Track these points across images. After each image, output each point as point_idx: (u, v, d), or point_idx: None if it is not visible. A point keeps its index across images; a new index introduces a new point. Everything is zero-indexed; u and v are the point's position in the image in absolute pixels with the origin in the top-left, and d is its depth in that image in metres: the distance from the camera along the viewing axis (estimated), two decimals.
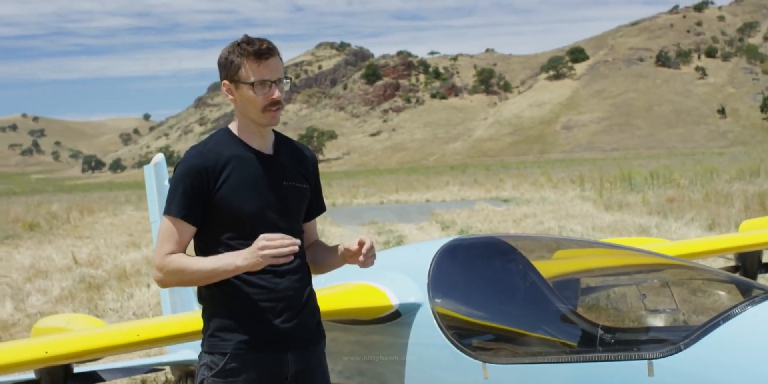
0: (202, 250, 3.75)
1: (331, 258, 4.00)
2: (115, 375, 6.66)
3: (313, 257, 4.03)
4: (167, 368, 8.73)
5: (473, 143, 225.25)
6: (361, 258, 3.78)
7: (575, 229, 21.36)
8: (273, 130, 3.92)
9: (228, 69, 3.71)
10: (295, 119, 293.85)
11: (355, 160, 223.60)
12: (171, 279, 3.69)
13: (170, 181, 3.79)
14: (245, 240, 3.65)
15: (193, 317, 3.97)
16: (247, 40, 3.69)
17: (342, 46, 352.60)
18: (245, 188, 3.71)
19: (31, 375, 5.64)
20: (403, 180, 70.68)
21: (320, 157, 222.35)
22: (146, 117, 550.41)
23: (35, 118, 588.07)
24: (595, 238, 17.88)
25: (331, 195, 52.89)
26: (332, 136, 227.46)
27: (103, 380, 5.85)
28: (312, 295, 3.93)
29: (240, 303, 3.71)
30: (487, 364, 4.14)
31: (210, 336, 3.78)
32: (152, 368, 7.19)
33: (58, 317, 6.70)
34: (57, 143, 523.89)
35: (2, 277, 18.64)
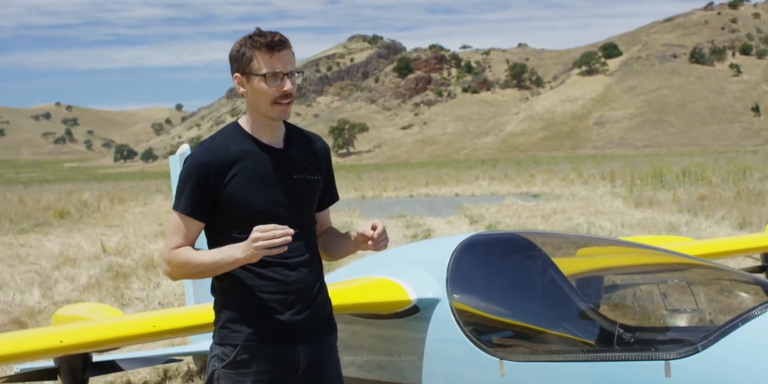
0: (213, 244, 3.77)
1: (343, 244, 4.00)
2: (133, 364, 6.68)
3: (326, 244, 4.03)
4: (190, 358, 8.75)
5: (504, 138, 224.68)
6: (370, 242, 3.77)
7: (604, 226, 21.21)
8: (284, 123, 3.90)
9: (240, 61, 3.70)
10: (326, 111, 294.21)
11: (386, 153, 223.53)
12: (178, 272, 3.75)
13: (179, 175, 3.76)
14: None
15: (208, 309, 3.96)
16: (259, 33, 3.69)
17: (374, 39, 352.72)
18: (254, 184, 3.70)
19: (50, 363, 5.67)
20: (434, 174, 70.61)
21: (351, 149, 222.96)
22: (178, 107, 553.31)
23: (68, 107, 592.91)
24: (623, 235, 17.78)
25: (360, 187, 52.93)
26: (363, 128, 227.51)
27: (122, 369, 5.87)
28: (323, 287, 3.92)
29: (251, 295, 3.70)
30: (504, 361, 4.11)
31: (221, 327, 3.78)
32: (170, 358, 7.20)
33: (79, 306, 6.73)
34: (90, 132, 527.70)
35: (32, 264, 18.76)
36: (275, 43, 3.65)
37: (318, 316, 3.85)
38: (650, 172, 41.54)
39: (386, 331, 4.89)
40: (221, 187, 3.67)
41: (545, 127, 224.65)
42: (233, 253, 3.56)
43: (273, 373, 3.74)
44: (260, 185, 3.71)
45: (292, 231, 3.49)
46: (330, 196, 4.07)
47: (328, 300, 3.97)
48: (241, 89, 3.75)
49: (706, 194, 29.33)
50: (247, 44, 3.68)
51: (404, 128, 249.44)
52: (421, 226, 24.78)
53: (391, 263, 5.11)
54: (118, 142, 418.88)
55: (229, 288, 3.75)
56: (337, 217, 29.60)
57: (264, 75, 3.65)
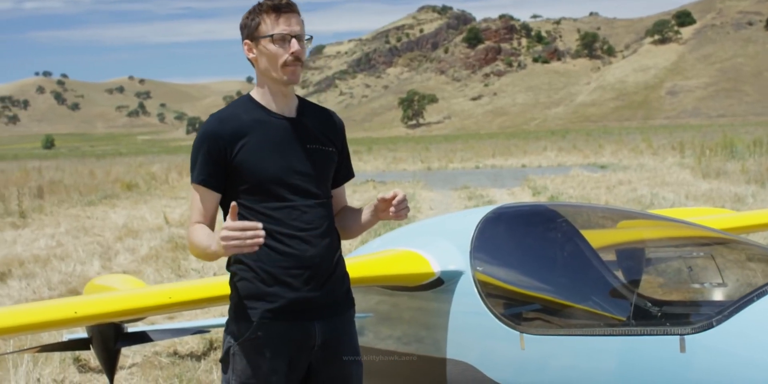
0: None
1: (360, 218, 3.91)
2: (164, 335, 6.74)
3: (344, 222, 3.95)
4: None
5: (575, 108, 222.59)
6: (392, 209, 3.70)
7: (667, 197, 20.89)
8: (297, 96, 3.85)
9: (249, 27, 3.70)
10: (396, 82, 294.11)
11: (455, 124, 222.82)
12: (192, 250, 3.70)
13: (192, 147, 3.73)
14: (271, 203, 3.63)
15: (227, 281, 3.93)
16: None
17: (444, 10, 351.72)
18: (266, 152, 3.64)
19: (84, 334, 5.76)
20: (501, 144, 70.34)
21: (420, 120, 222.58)
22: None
23: (141, 81, 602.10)
24: (686, 206, 17.50)
25: (427, 159, 52.94)
26: (433, 99, 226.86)
27: (152, 340, 5.93)
28: (341, 261, 3.84)
29: (267, 270, 3.64)
30: (524, 334, 4.05)
31: (236, 303, 3.73)
32: (199, 330, 7.24)
33: (112, 277, 6.78)
34: (162, 105, 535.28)
35: (96, 236, 19.04)
36: (282, 5, 3.64)
37: (335, 291, 3.78)
38: (721, 143, 40.81)
39: (412, 303, 4.85)
40: (232, 157, 3.61)
41: (617, 97, 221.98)
42: (210, 243, 3.49)
43: (289, 350, 3.68)
44: (272, 153, 3.65)
45: (263, 232, 3.34)
46: (345, 173, 3.98)
47: (346, 274, 3.88)
48: (251, 55, 3.72)
49: None
50: (255, 10, 3.69)
51: (474, 99, 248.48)
52: (483, 197, 24.66)
53: (419, 235, 5.05)
54: (190, 114, 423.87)
55: (244, 263, 3.69)
56: (401, 188, 29.45)
57: (272, 36, 3.63)
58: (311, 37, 3.76)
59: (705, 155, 37.16)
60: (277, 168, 3.63)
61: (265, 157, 3.64)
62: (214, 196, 3.66)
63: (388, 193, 3.70)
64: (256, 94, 3.79)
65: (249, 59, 3.75)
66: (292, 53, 3.64)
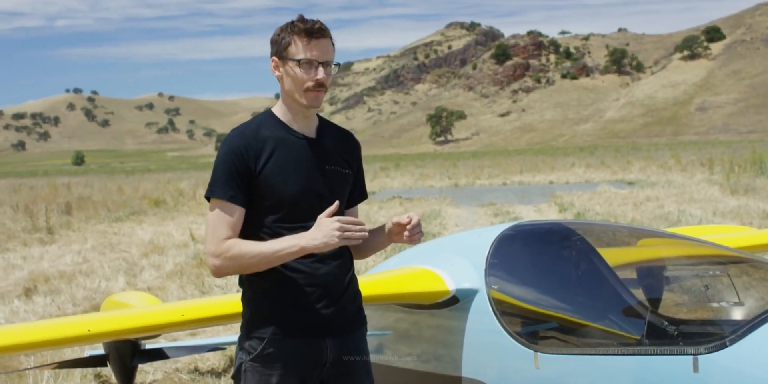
0: (243, 235, 3.67)
1: (374, 239, 3.88)
2: (180, 352, 6.76)
3: None
4: None
5: (604, 124, 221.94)
6: (405, 233, 3.70)
7: (694, 214, 20.73)
8: (318, 116, 3.85)
9: (279, 45, 3.69)
10: (424, 99, 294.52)
11: (483, 141, 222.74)
12: (228, 265, 3.58)
13: (215, 162, 3.71)
14: (286, 223, 3.61)
15: (239, 298, 3.93)
16: (301, 19, 3.67)
17: (472, 26, 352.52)
18: (287, 170, 3.63)
19: (101, 351, 5.78)
20: (529, 161, 70.22)
21: (449, 137, 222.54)
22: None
23: (171, 97, 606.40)
24: (713, 223, 17.36)
25: (454, 175, 52.90)
26: (461, 116, 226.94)
27: (168, 357, 5.94)
28: (353, 280, 3.84)
29: (279, 288, 3.64)
30: (539, 353, 4.02)
31: (248, 320, 3.73)
32: (216, 347, 7.25)
33: (129, 294, 6.83)
34: (192, 122, 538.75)
35: (122, 252, 19.10)
36: (314, 31, 3.62)
37: (347, 309, 3.78)
38: (750, 159, 40.49)
39: (430, 321, 4.83)
40: (257, 172, 3.60)
41: (646, 113, 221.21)
42: (297, 242, 3.49)
43: (300, 367, 3.68)
44: (294, 173, 3.64)
45: (367, 230, 3.55)
46: (359, 194, 3.99)
47: (358, 293, 3.89)
48: (276, 73, 3.73)
49: None
50: (287, 29, 3.66)
51: (502, 115, 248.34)
52: (509, 214, 24.57)
53: (435, 253, 5.05)
54: (219, 131, 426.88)
55: (256, 280, 3.68)
56: (427, 205, 29.56)
57: (299, 61, 3.62)
58: (339, 64, 3.77)
59: (734, 171, 36.89)
60: (297, 187, 3.62)
61: (285, 176, 3.63)
62: (242, 213, 3.62)
63: (403, 218, 3.70)
64: (278, 110, 3.79)
65: (275, 75, 3.75)
66: (317, 80, 3.64)
